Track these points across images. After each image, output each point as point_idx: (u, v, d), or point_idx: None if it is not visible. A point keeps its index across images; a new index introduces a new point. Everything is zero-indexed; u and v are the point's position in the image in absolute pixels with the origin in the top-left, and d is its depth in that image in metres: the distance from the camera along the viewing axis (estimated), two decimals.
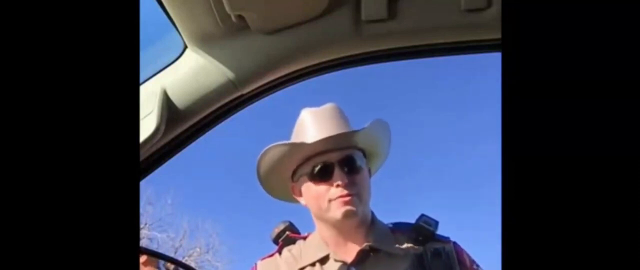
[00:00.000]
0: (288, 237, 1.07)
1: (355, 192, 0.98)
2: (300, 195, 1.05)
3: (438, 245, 1.00)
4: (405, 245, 1.00)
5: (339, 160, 0.99)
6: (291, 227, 1.09)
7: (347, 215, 0.97)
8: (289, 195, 1.09)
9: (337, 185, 0.97)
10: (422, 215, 1.04)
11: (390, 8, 0.77)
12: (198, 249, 12.93)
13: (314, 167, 1.00)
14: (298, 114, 1.06)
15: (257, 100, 0.88)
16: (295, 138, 1.04)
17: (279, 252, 1.07)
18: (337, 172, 0.98)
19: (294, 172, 1.05)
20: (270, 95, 0.89)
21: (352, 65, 0.87)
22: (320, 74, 0.87)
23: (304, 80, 0.87)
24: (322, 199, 0.99)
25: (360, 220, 1.01)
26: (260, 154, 1.02)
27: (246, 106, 0.88)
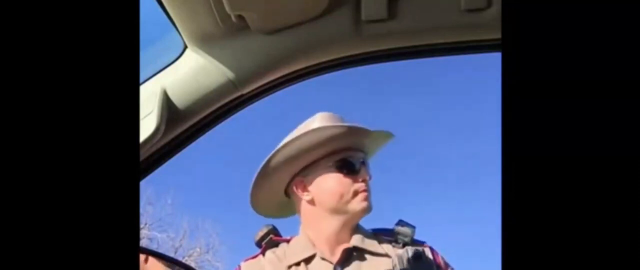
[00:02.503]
0: (271, 240, 1.09)
1: (369, 192, 1.06)
2: (306, 189, 1.07)
3: (417, 248, 1.04)
4: (387, 248, 1.05)
5: (363, 160, 1.08)
6: (274, 230, 1.11)
7: (366, 209, 1.05)
8: (277, 198, 1.12)
9: (363, 180, 1.05)
10: (400, 221, 1.09)
11: (390, 8, 0.77)
12: (198, 249, 12.92)
13: (344, 159, 1.06)
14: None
15: (257, 100, 0.88)
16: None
17: (263, 253, 1.08)
18: (363, 169, 1.07)
19: (307, 166, 1.07)
20: (271, 95, 0.89)
21: (352, 65, 0.87)
22: (320, 74, 0.87)
23: (304, 80, 0.87)
24: (348, 191, 1.04)
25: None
26: (306, 131, 1.04)
27: (246, 106, 0.88)
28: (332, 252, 1.04)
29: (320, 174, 1.07)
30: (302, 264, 1.03)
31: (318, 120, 1.07)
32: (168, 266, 1.00)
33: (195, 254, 12.72)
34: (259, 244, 1.10)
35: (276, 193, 1.12)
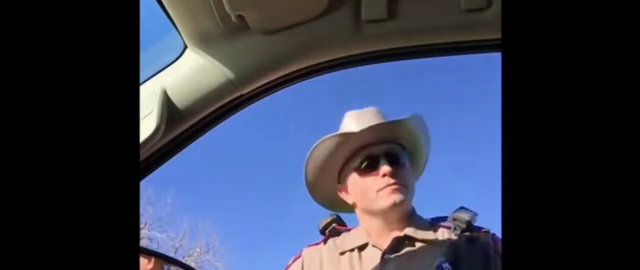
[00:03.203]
0: (334, 228, 1.12)
1: (402, 183, 1.03)
2: (347, 193, 1.10)
3: (474, 235, 1.02)
4: (441, 235, 1.03)
5: (384, 153, 1.05)
6: (338, 220, 1.14)
7: (395, 203, 1.01)
8: (334, 199, 1.13)
9: (384, 175, 1.02)
10: (461, 207, 1.06)
11: (390, 8, 0.77)
12: (198, 249, 12.92)
13: (361, 160, 1.05)
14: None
15: (257, 100, 0.88)
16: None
17: (325, 241, 1.11)
18: (382, 163, 1.03)
19: (340, 173, 1.10)
20: (271, 95, 0.89)
21: (352, 65, 0.87)
22: (320, 74, 0.87)
23: (304, 80, 0.87)
24: (370, 190, 1.04)
25: (404, 211, 1.05)
26: (309, 151, 1.07)
27: (246, 106, 0.88)
28: (386, 241, 1.04)
29: (348, 178, 1.09)
30: (356, 250, 1.05)
31: (345, 123, 1.09)
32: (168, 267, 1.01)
33: (195, 254, 12.73)
34: (322, 231, 1.13)
35: (332, 199, 1.14)
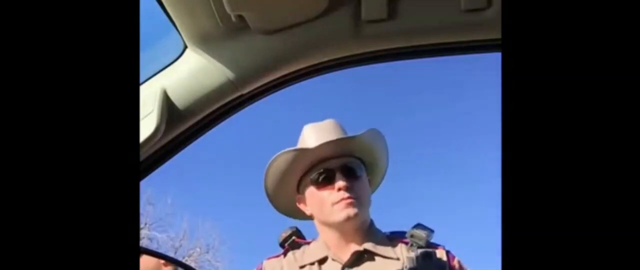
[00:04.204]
0: (294, 241, 1.12)
1: (356, 196, 1.05)
2: (306, 204, 1.11)
3: (431, 251, 1.05)
4: (399, 250, 1.06)
5: (339, 167, 1.06)
6: (297, 233, 1.14)
7: (349, 217, 1.03)
8: (295, 208, 1.14)
9: (339, 189, 1.04)
10: (418, 224, 1.09)
11: (390, 8, 0.77)
12: (198, 249, 12.92)
13: (317, 174, 1.07)
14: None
15: (257, 100, 0.88)
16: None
17: (284, 254, 1.12)
18: (338, 177, 1.05)
19: (299, 184, 1.12)
20: (271, 96, 0.89)
21: (352, 65, 0.87)
22: (320, 74, 0.87)
23: (304, 80, 0.87)
24: (325, 204, 1.05)
25: (360, 224, 1.07)
26: (267, 164, 1.09)
27: (246, 106, 0.88)
28: (344, 254, 1.06)
29: (306, 190, 1.10)
30: (316, 264, 1.06)
31: (303, 137, 1.10)
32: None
33: (195, 254, 12.73)
34: (282, 244, 1.13)
35: (293, 209, 1.15)
